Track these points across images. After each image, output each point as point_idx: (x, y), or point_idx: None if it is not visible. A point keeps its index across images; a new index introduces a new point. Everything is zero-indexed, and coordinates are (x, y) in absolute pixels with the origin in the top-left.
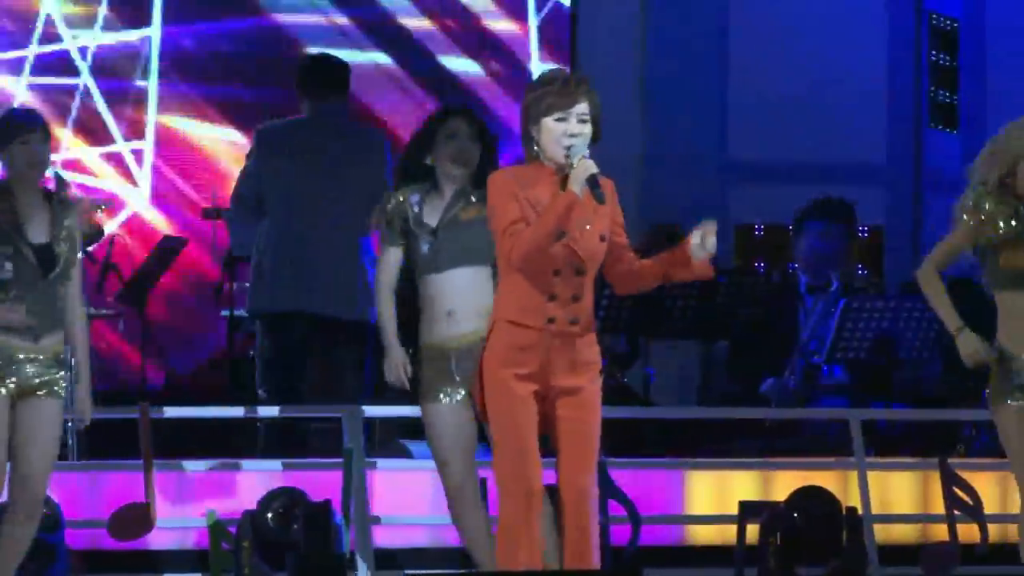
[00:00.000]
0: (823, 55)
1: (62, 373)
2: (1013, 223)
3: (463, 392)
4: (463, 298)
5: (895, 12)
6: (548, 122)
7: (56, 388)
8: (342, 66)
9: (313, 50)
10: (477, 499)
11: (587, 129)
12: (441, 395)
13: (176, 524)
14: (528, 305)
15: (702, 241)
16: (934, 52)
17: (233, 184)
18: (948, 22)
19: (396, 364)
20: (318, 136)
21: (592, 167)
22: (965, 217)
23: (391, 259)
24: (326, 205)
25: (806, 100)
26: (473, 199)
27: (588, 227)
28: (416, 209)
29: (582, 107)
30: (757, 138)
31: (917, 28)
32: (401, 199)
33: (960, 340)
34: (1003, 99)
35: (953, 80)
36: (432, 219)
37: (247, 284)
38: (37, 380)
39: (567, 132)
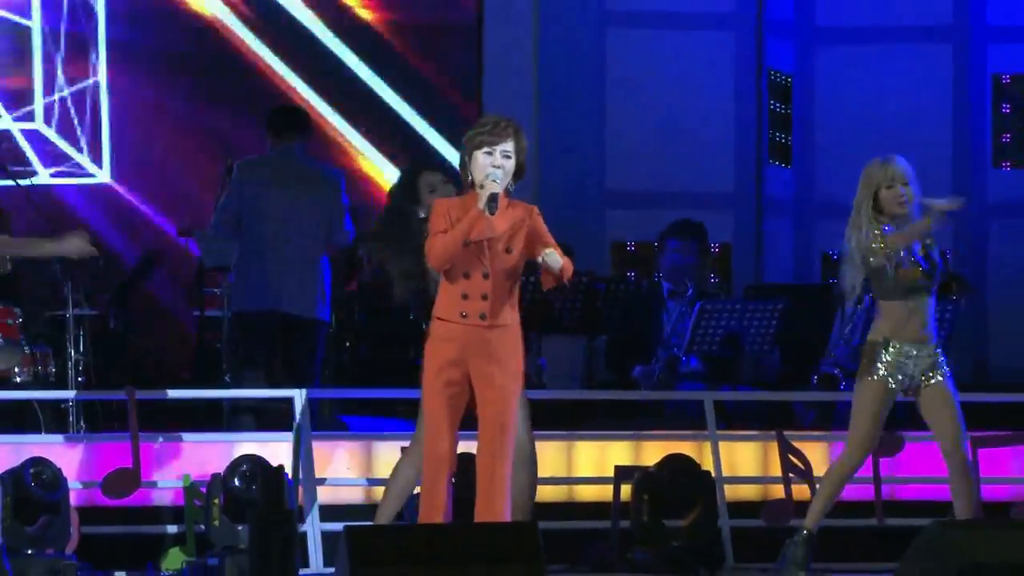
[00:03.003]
0: (683, 103)
1: None
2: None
3: None
4: None
5: (741, 69)
6: (478, 155)
7: None
8: (303, 113)
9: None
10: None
11: (509, 164)
12: None
13: (158, 485)
14: (448, 303)
15: (549, 260)
16: (772, 101)
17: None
18: (783, 77)
19: None
20: (282, 170)
21: (493, 189)
22: (875, 246)
23: None
24: (291, 225)
25: (669, 140)
26: None
27: (494, 237)
28: None
29: (507, 145)
30: (629, 171)
31: (758, 82)
32: None
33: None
34: (828, 140)
35: (787, 124)
36: None
37: (215, 290)
38: None
39: (491, 164)
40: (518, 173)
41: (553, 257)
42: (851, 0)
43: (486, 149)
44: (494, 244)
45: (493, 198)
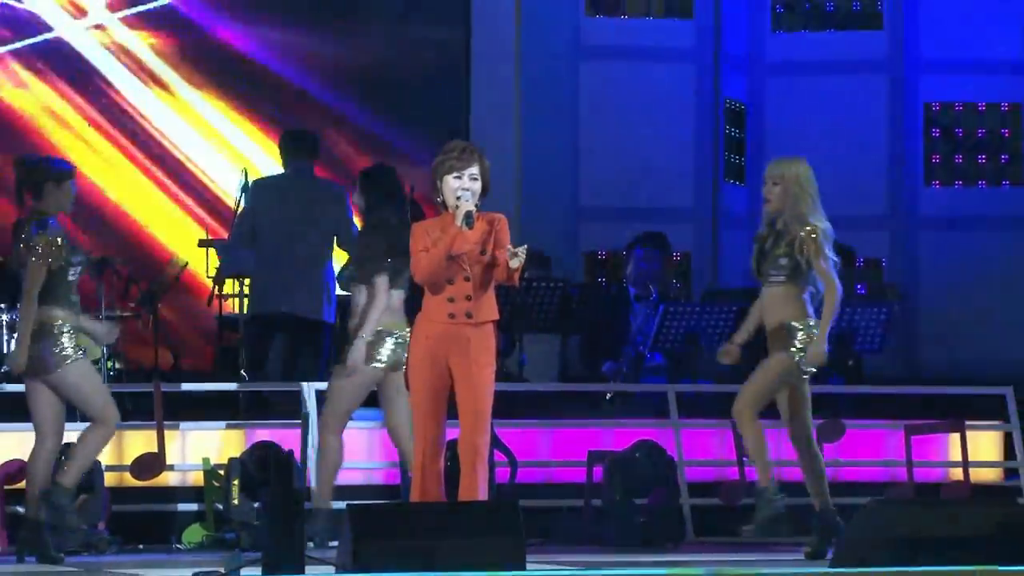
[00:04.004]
0: (648, 127)
1: None
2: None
3: None
4: None
5: (700, 98)
6: (448, 179)
7: None
8: (313, 136)
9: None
10: None
11: (476, 185)
12: None
13: (181, 468)
14: (436, 306)
15: (518, 252)
16: (727, 127)
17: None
18: (738, 105)
19: None
20: (294, 188)
21: (467, 207)
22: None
23: None
24: (300, 236)
25: (635, 160)
26: None
27: (470, 248)
28: None
29: (473, 169)
30: (600, 189)
31: (716, 109)
32: None
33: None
34: None
35: (741, 147)
36: None
37: (232, 294)
38: None
39: (461, 187)
40: (484, 191)
41: (518, 260)
42: (797, 37)
43: (455, 174)
44: (472, 250)
45: (469, 215)
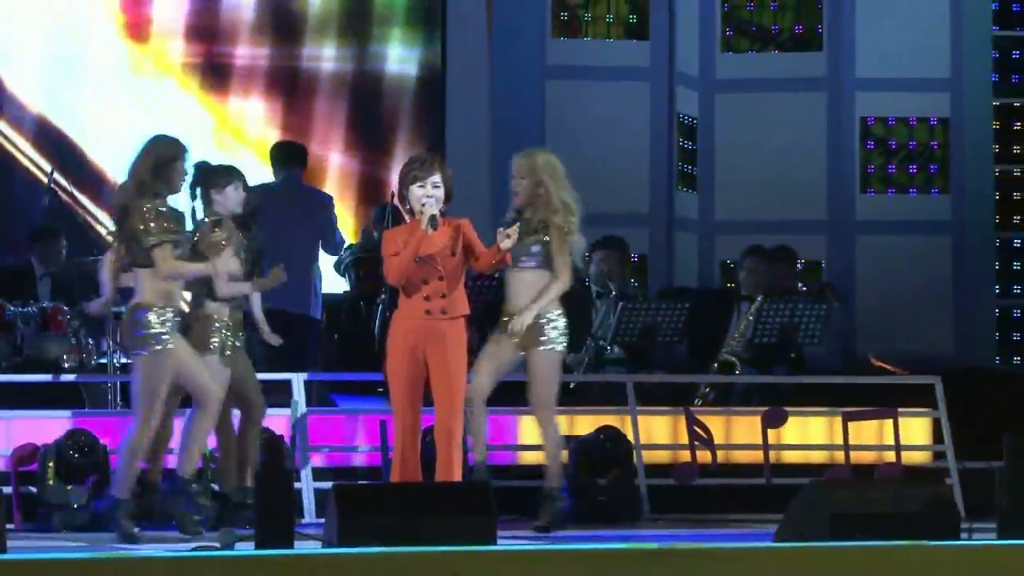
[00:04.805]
0: (608, 140)
1: None
2: None
3: None
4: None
5: (656, 113)
6: (413, 188)
7: None
8: (301, 147)
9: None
10: None
11: (439, 192)
12: None
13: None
14: (412, 304)
15: (509, 233)
16: (681, 139)
17: None
18: (690, 120)
19: None
20: (285, 194)
21: (431, 211)
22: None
23: None
24: (291, 239)
25: (597, 170)
26: None
27: (439, 248)
28: None
29: (435, 177)
30: None
31: (670, 123)
32: None
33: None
34: (726, 171)
35: (693, 158)
36: None
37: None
38: None
39: (425, 194)
40: (448, 196)
41: (509, 241)
42: (744, 58)
43: (419, 183)
44: (443, 252)
45: (432, 218)
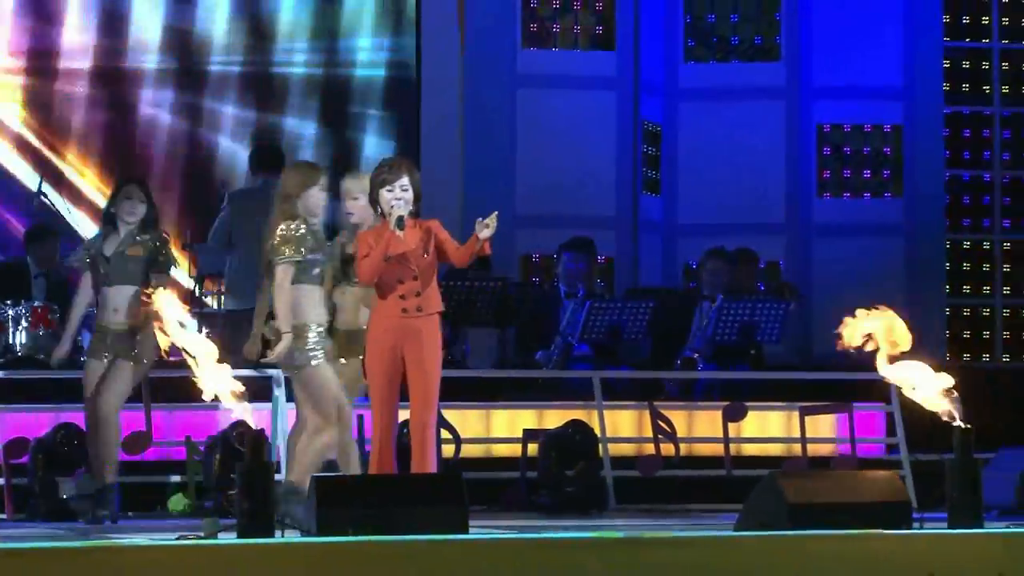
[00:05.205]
0: (576, 145)
1: None
2: None
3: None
4: None
5: (621, 120)
6: (383, 192)
7: None
8: (279, 150)
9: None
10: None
11: (408, 194)
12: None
13: (165, 444)
14: (388, 304)
15: (487, 223)
16: (645, 145)
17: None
18: (654, 126)
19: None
20: (265, 198)
21: (399, 211)
22: None
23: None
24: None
25: (565, 174)
26: None
27: (410, 249)
28: None
29: (403, 180)
30: (535, 199)
31: (635, 129)
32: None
33: None
34: (688, 176)
35: (657, 163)
36: None
37: (211, 291)
38: None
39: (393, 197)
40: (417, 198)
41: (489, 230)
42: (706, 67)
43: (388, 187)
44: (416, 252)
45: (400, 219)
